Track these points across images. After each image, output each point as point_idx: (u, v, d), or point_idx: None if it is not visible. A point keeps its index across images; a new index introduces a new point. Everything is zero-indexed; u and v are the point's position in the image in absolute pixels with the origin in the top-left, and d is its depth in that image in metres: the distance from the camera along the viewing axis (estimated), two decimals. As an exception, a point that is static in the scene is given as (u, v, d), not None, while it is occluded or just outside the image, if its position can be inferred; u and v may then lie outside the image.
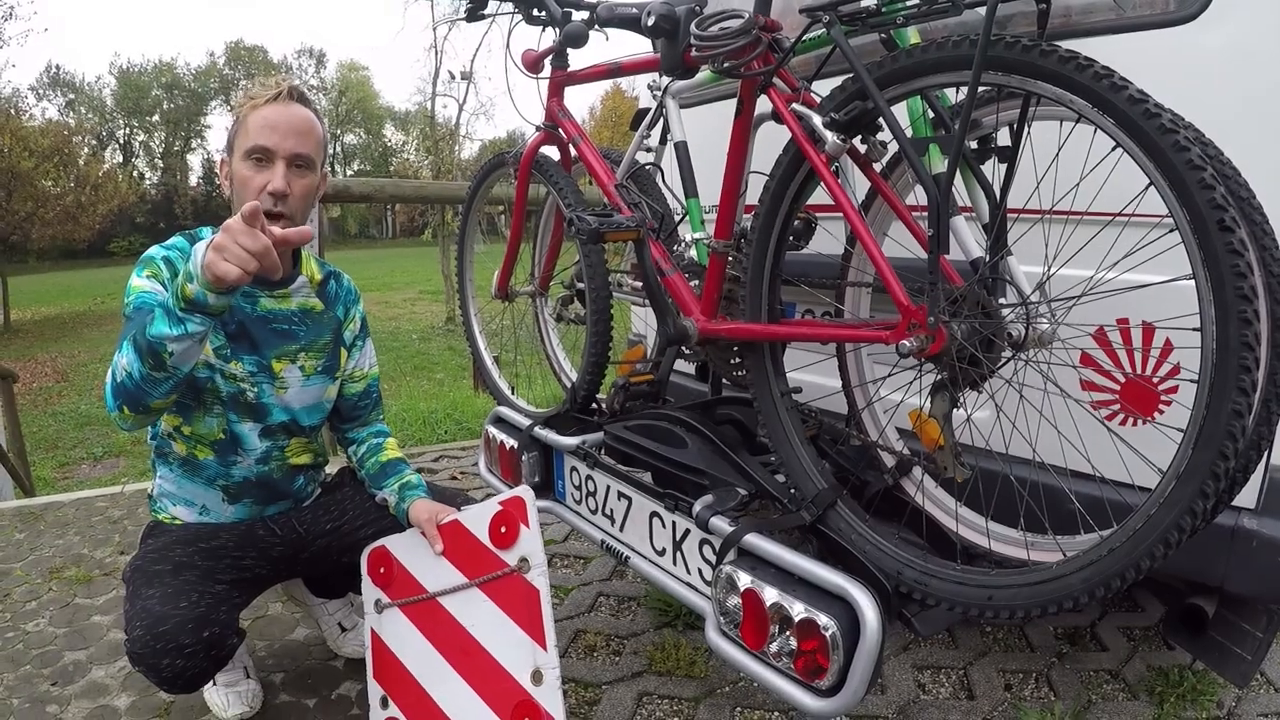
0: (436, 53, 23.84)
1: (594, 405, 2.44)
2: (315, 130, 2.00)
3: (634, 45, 2.26)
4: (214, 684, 2.20)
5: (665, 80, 2.16)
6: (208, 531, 2.09)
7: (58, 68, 62.02)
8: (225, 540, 2.08)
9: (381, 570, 2.08)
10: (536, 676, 1.75)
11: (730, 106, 1.81)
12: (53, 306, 25.27)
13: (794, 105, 1.60)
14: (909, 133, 1.52)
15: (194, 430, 2.05)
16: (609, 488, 2.13)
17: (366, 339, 2.34)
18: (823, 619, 1.44)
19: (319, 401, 2.20)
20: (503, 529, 1.89)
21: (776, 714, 2.26)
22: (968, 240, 1.49)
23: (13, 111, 27.31)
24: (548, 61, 2.40)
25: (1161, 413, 1.68)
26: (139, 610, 1.86)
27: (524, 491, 1.91)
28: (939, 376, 1.49)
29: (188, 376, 1.74)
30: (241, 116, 1.95)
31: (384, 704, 2.00)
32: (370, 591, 2.09)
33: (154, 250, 1.98)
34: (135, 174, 54.26)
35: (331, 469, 2.44)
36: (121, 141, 62.94)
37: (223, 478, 2.11)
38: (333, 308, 2.21)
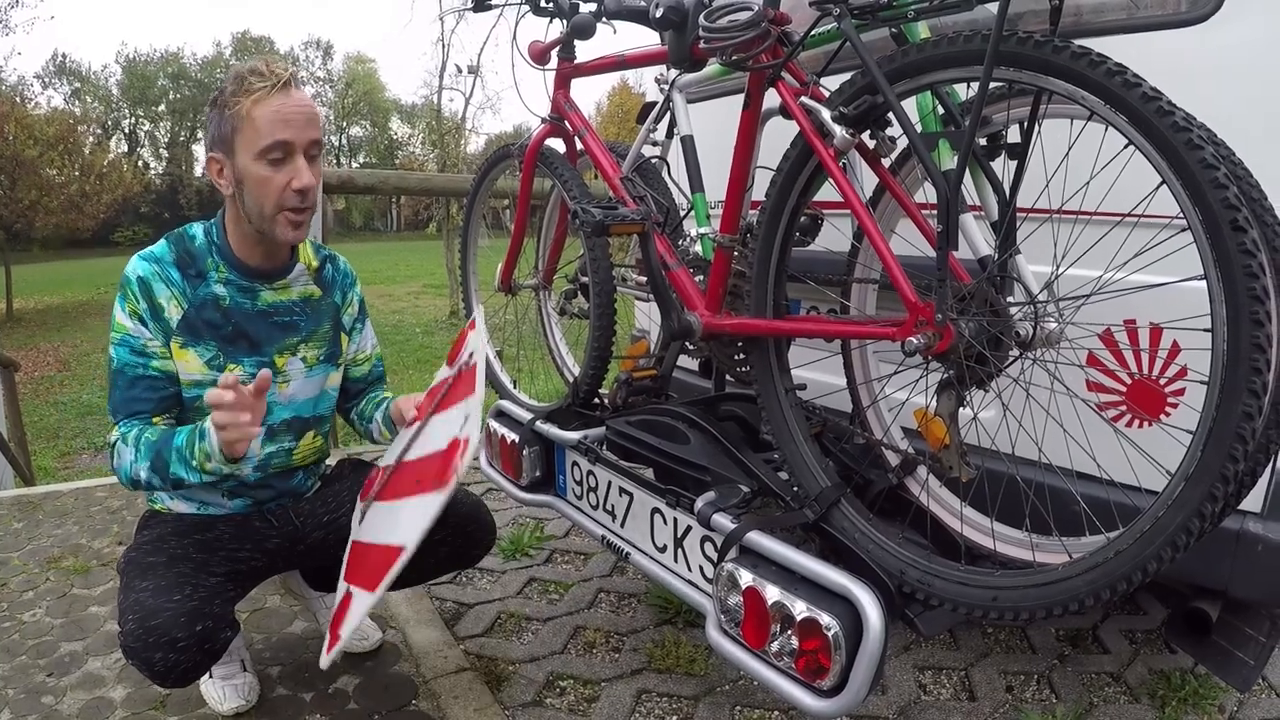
0: (444, 46, 23.80)
1: (596, 400, 2.43)
2: (319, 113, 1.95)
3: (642, 38, 2.24)
4: (210, 677, 2.18)
5: (672, 74, 2.14)
6: (204, 523, 2.08)
7: (64, 56, 62.20)
8: (221, 532, 2.07)
9: (369, 482, 2.05)
10: (467, 421, 1.63)
11: (737, 101, 1.79)
12: (56, 295, 25.29)
13: (802, 99, 1.59)
14: (918, 128, 1.50)
15: None
16: (610, 483, 2.11)
17: (365, 321, 2.32)
18: (825, 618, 1.43)
19: (323, 391, 2.19)
20: (451, 347, 1.90)
21: (777, 713, 2.25)
22: (976, 238, 1.47)
23: (18, 99, 27.35)
24: (554, 53, 2.38)
25: (1168, 415, 1.67)
26: (132, 603, 1.85)
27: (477, 313, 1.94)
28: (945, 375, 1.48)
29: None
30: (242, 112, 1.84)
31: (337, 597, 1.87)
32: (357, 509, 2.03)
33: (132, 268, 1.93)
34: (140, 164, 54.06)
35: (330, 460, 2.43)
36: (127, 131, 62.90)
37: (223, 480, 2.09)
38: (330, 294, 2.20)
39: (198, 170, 64.76)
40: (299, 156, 1.88)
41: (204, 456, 1.77)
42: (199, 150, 66.56)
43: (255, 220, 1.94)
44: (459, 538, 2.24)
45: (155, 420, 1.93)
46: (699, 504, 1.76)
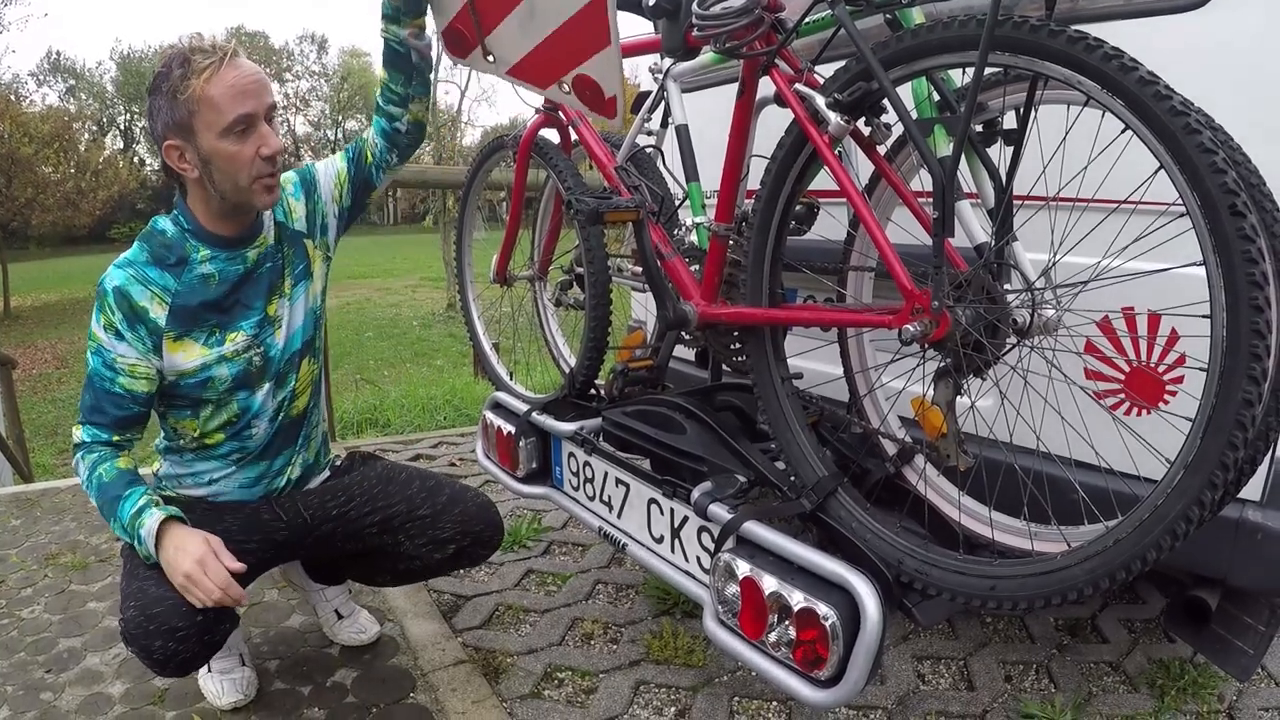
0: (439, 38, 23.75)
1: (593, 391, 2.42)
2: (266, 76, 1.93)
3: (636, 27, 2.23)
4: (209, 671, 2.18)
5: (667, 63, 2.13)
6: (212, 516, 2.07)
7: (58, 53, 61.96)
8: (229, 524, 2.06)
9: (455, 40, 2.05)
10: None
11: (732, 90, 1.78)
12: (53, 293, 25.25)
13: (797, 86, 1.58)
14: (914, 115, 1.49)
15: (203, 429, 2.07)
16: (607, 474, 2.11)
17: (313, 170, 2.21)
18: (822, 608, 1.42)
19: (308, 311, 2.16)
20: None
21: (775, 704, 2.25)
22: (972, 225, 1.46)
23: (13, 97, 27.32)
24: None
25: (1167, 402, 1.66)
26: (134, 590, 1.86)
27: None
28: (942, 363, 1.47)
29: None
30: (195, 94, 1.80)
31: (563, 87, 1.88)
32: (477, 63, 2.04)
33: (108, 278, 1.93)
34: (136, 160, 53.91)
35: (336, 452, 2.42)
36: (122, 128, 62.67)
37: (238, 451, 2.11)
38: (276, 213, 2.12)
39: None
40: (261, 124, 1.88)
41: (139, 545, 1.88)
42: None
43: (231, 195, 1.92)
44: (467, 537, 2.21)
45: (115, 438, 1.98)
46: (695, 494, 1.75)
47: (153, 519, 1.85)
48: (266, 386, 2.08)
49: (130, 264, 1.95)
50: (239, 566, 1.84)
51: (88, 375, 1.97)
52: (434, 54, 2.15)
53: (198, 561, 1.80)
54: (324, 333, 2.30)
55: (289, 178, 2.17)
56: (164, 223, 2.01)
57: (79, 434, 1.99)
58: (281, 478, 2.20)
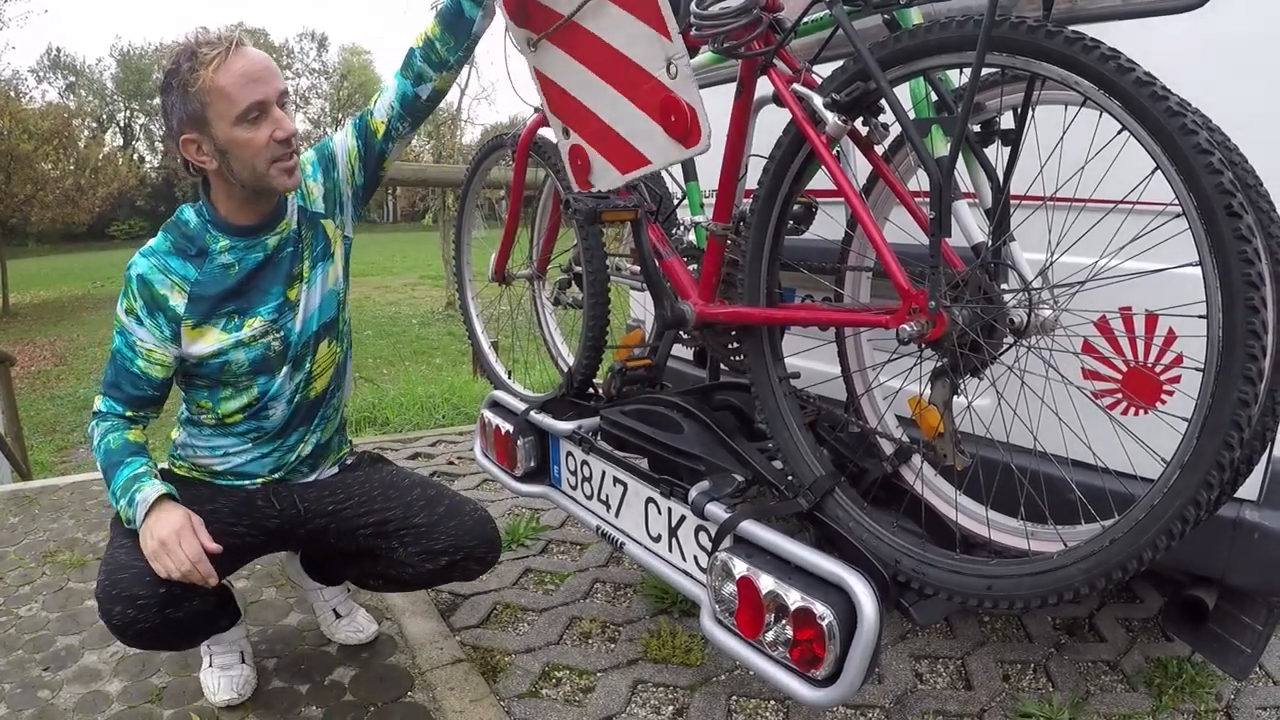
0: None
1: (591, 390, 2.42)
2: (274, 63, 1.94)
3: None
4: (210, 665, 2.19)
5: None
6: (205, 495, 2.09)
7: (58, 50, 61.88)
8: (221, 505, 2.08)
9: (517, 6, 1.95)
10: (670, 68, 1.64)
11: (730, 90, 1.78)
12: (52, 290, 25.22)
13: (795, 86, 1.58)
14: (911, 115, 1.49)
15: (222, 410, 2.10)
16: (604, 473, 2.11)
17: (331, 145, 2.18)
18: (819, 608, 1.42)
19: (328, 291, 2.17)
20: None
21: (772, 703, 2.25)
22: (970, 224, 1.46)
23: (13, 94, 27.29)
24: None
25: (1164, 402, 1.66)
26: (108, 557, 1.93)
27: None
28: (939, 363, 1.47)
29: None
30: (206, 85, 1.82)
31: (566, 134, 1.92)
32: (518, 33, 1.97)
33: (132, 266, 1.99)
34: (135, 157, 53.96)
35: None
36: (122, 124, 62.70)
37: (255, 431, 2.14)
38: (299, 198, 2.13)
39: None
40: (274, 109, 1.89)
41: (127, 507, 1.91)
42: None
43: (250, 181, 1.93)
44: (460, 551, 2.18)
45: (129, 413, 2.05)
46: (693, 493, 1.75)
47: (151, 489, 1.89)
48: (284, 370, 2.11)
49: (154, 253, 2.00)
50: (214, 547, 1.86)
51: (111, 351, 2.04)
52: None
53: (175, 531, 1.83)
54: (348, 317, 2.29)
55: (308, 157, 2.17)
56: (189, 212, 2.05)
57: (98, 403, 2.07)
58: (293, 454, 2.22)
